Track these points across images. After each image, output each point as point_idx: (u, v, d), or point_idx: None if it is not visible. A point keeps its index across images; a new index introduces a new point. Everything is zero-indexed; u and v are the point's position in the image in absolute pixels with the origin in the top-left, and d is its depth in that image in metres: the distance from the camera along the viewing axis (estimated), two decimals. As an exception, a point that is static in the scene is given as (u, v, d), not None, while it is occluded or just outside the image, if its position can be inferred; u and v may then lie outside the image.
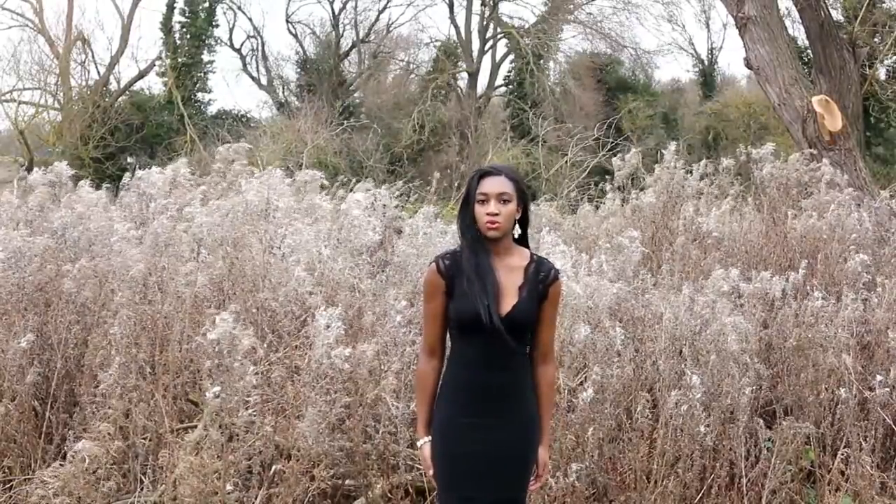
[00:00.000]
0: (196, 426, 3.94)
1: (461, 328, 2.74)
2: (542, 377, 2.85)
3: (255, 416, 3.61)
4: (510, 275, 2.74)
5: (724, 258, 6.08)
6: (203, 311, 4.42)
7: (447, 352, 2.85)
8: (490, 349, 2.69)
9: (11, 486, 4.04)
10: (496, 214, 2.69)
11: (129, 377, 4.01)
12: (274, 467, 3.81)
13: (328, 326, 3.76)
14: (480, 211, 2.71)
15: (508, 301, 2.71)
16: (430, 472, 2.83)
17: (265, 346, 4.02)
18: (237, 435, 3.65)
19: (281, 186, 5.31)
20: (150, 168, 6.50)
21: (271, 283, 4.62)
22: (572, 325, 4.30)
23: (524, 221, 2.82)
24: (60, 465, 3.36)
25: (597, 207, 8.30)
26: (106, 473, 3.50)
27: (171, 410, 4.09)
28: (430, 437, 2.83)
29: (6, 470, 4.10)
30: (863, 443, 4.32)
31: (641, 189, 7.39)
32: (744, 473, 4.25)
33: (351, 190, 6.88)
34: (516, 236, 2.80)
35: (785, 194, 6.78)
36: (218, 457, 3.52)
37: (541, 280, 2.76)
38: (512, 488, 2.79)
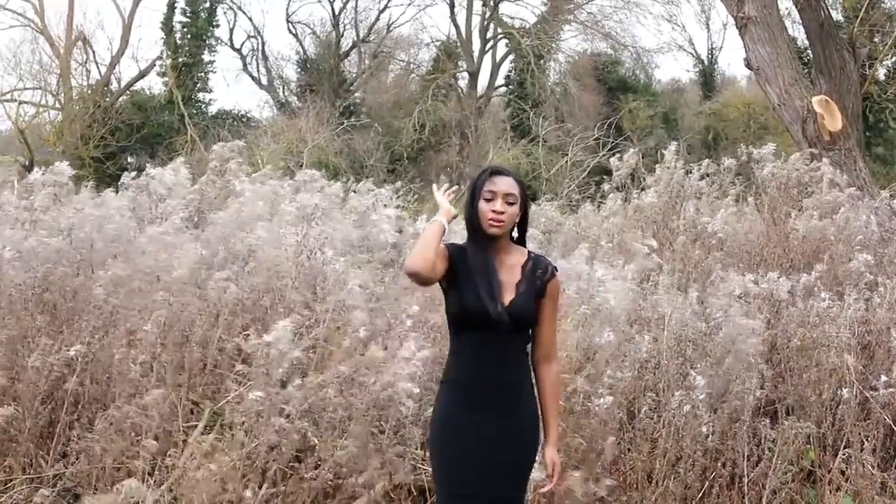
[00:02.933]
0: (209, 426, 3.95)
1: (463, 321, 2.75)
2: (547, 376, 2.86)
3: (286, 424, 3.60)
4: (509, 272, 2.78)
5: (724, 258, 6.08)
6: (238, 314, 4.41)
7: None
8: (490, 344, 2.71)
9: (13, 485, 4.03)
10: (501, 213, 2.74)
11: (150, 377, 4.01)
12: (275, 467, 3.81)
13: (410, 360, 3.73)
14: (485, 207, 2.75)
15: (507, 297, 2.75)
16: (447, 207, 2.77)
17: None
18: (251, 437, 3.65)
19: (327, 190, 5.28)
20: (149, 167, 6.48)
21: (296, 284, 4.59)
22: (590, 329, 4.31)
23: (523, 224, 2.87)
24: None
25: (598, 207, 8.29)
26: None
27: (185, 412, 4.09)
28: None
29: (7, 469, 4.08)
30: (864, 443, 4.33)
31: (642, 189, 7.39)
32: (745, 473, 4.26)
33: (353, 190, 6.86)
34: (514, 237, 2.85)
35: (785, 194, 6.77)
36: (233, 464, 3.52)
37: (538, 276, 2.80)
38: (512, 486, 2.78)
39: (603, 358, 4.26)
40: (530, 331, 2.82)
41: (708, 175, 7.42)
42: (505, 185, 2.77)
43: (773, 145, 7.32)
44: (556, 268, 2.88)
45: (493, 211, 2.74)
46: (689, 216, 6.53)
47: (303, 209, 4.82)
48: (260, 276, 4.66)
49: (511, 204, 2.76)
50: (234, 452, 3.54)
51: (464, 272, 2.75)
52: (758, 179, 7.14)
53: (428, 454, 3.02)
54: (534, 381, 2.86)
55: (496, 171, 2.82)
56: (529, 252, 2.86)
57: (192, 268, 4.52)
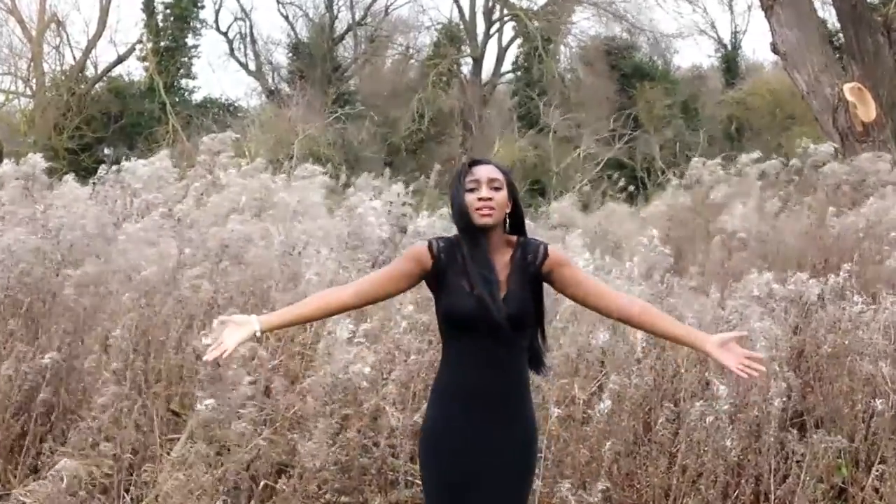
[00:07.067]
0: (180, 438, 3.95)
1: (457, 326, 2.73)
2: (643, 317, 2.76)
3: (248, 428, 3.60)
4: (502, 269, 2.74)
5: (751, 258, 6.06)
6: (210, 316, 4.42)
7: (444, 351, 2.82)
8: (487, 348, 2.69)
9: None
10: (489, 199, 2.69)
11: (123, 385, 4.00)
12: (263, 482, 3.81)
13: (351, 341, 3.74)
14: (472, 198, 2.71)
15: (500, 295, 2.70)
16: (224, 346, 2.63)
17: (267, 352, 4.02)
18: (227, 448, 3.65)
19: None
20: (129, 159, 6.50)
21: (280, 286, 4.61)
22: (590, 331, 4.30)
23: (517, 217, 2.83)
24: (37, 482, 3.34)
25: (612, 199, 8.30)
26: (87, 493, 3.49)
27: (160, 422, 4.09)
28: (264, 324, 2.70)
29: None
30: (899, 458, 4.32)
31: (658, 184, 7.38)
32: (772, 490, 4.26)
33: (347, 185, 6.88)
34: (507, 230, 2.80)
35: (839, 193, 6.68)
36: (205, 472, 3.52)
37: (529, 264, 2.75)
38: (512, 499, 2.76)
39: (595, 358, 4.26)
40: (526, 327, 2.77)
41: (739, 174, 7.37)
42: (486, 171, 2.74)
43: (833, 146, 7.26)
44: (547, 245, 2.81)
45: (480, 199, 2.69)
46: (739, 213, 6.44)
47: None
48: (235, 275, 4.67)
49: (497, 189, 2.71)
50: (201, 463, 3.53)
51: (453, 274, 2.73)
52: (809, 178, 7.06)
53: (419, 468, 3.00)
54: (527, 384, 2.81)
55: (474, 162, 2.80)
56: (518, 238, 2.80)
57: (163, 266, 4.52)
